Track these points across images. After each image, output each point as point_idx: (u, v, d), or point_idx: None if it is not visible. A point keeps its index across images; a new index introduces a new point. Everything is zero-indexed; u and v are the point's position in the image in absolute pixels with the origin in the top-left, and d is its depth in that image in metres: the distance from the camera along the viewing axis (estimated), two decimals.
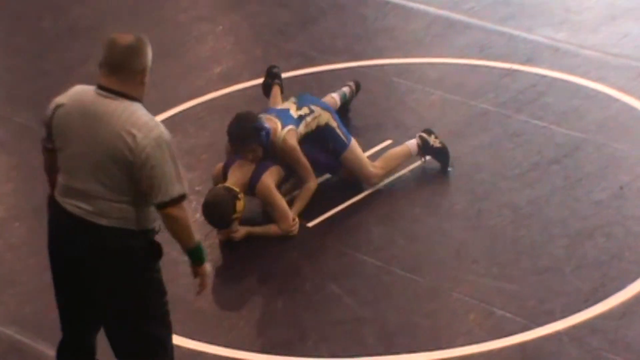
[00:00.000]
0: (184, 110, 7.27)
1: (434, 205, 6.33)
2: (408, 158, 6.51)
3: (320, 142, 6.34)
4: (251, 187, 6.07)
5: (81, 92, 4.29)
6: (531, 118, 6.96)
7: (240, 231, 6.05)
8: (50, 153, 4.41)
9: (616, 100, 7.10)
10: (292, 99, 6.44)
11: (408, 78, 7.55)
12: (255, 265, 5.99)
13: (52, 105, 4.33)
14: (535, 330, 5.34)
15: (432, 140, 6.49)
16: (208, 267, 4.42)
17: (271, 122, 6.18)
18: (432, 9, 8.37)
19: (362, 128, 6.93)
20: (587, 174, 6.42)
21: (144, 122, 4.16)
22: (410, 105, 7.25)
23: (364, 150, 6.51)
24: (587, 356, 5.16)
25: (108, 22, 8.37)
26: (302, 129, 6.27)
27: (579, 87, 7.26)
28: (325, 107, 6.44)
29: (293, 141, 6.17)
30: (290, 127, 6.19)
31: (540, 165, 6.50)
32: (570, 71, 7.43)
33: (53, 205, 4.38)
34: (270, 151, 6.14)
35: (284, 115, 6.26)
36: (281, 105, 6.46)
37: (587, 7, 8.26)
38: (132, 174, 4.17)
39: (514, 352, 5.23)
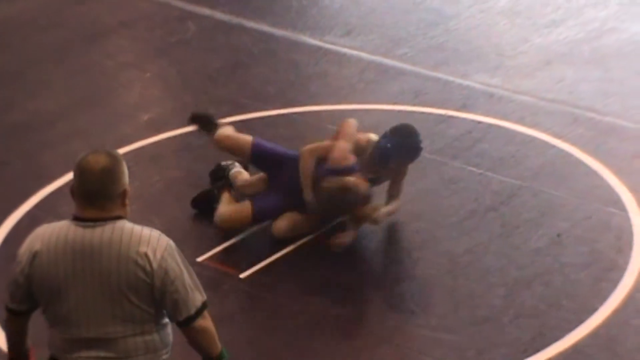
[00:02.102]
0: None
1: (370, 254, 6.22)
2: None
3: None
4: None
5: (57, 231, 3.78)
6: (467, 165, 6.92)
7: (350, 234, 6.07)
8: (21, 317, 3.87)
9: (552, 146, 7.10)
10: None
11: None
12: None
13: (25, 257, 3.78)
14: None
15: None
16: None
17: None
18: (365, 55, 8.35)
19: None
20: (524, 222, 6.38)
21: (147, 236, 3.75)
22: None
23: None
24: None
25: (32, 68, 8.25)
26: None
27: (514, 133, 7.25)
28: None
29: None
30: None
31: (477, 212, 6.44)
32: (506, 117, 7.43)
33: None
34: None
35: None
36: None
37: (521, 52, 8.29)
38: (153, 296, 3.74)
39: None
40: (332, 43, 8.57)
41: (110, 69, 8.33)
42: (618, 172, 6.77)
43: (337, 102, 7.77)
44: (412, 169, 6.55)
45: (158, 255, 3.73)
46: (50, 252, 3.75)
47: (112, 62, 8.42)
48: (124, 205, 3.81)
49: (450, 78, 7.98)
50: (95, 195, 3.74)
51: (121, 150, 7.18)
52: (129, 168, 6.89)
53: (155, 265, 3.72)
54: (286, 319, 5.75)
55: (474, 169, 6.90)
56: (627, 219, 6.34)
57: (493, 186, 6.72)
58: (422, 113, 7.56)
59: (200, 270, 5.93)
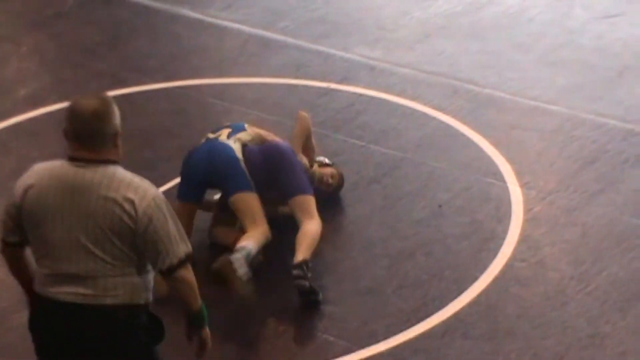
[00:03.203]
0: None
1: None
2: None
3: None
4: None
5: (50, 168, 3.92)
6: (349, 137, 6.95)
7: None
8: (14, 248, 3.98)
9: (433, 118, 7.17)
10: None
11: (224, 98, 7.45)
12: None
13: (19, 189, 3.91)
14: (358, 352, 5.31)
15: None
16: (207, 329, 4.09)
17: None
18: (246, 28, 8.31)
19: (178, 150, 6.75)
20: (406, 193, 6.44)
21: (137, 184, 3.86)
22: None
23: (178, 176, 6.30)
24: None
25: None
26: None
27: (395, 106, 7.31)
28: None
29: None
30: None
31: (359, 184, 6.48)
32: (387, 90, 7.47)
33: (37, 301, 3.95)
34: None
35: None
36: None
37: (401, 25, 8.35)
38: (135, 241, 3.85)
39: None
40: (213, 16, 8.51)
41: None
42: (496, 143, 6.88)
43: (218, 75, 7.72)
44: None
45: (144, 203, 3.83)
46: (42, 186, 3.87)
47: None
48: (116, 146, 3.90)
49: (332, 51, 8.00)
50: (87, 137, 3.84)
51: None
52: (6, 144, 6.79)
53: (140, 212, 3.82)
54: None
55: (356, 142, 6.93)
56: (506, 190, 6.46)
57: (375, 158, 6.77)
58: (304, 86, 7.56)
59: None
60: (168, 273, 3.91)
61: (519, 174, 6.57)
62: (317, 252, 5.89)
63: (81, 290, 3.86)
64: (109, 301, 3.87)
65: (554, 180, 6.55)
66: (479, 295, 5.63)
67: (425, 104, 7.31)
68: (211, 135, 6.08)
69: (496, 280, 5.74)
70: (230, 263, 5.45)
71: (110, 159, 3.88)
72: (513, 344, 5.33)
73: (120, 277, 3.88)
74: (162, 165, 6.63)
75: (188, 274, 3.95)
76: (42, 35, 8.28)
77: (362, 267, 5.88)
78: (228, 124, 6.26)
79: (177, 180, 6.37)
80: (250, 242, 5.62)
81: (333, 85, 7.54)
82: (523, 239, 6.04)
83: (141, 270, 3.93)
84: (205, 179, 5.93)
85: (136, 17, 8.48)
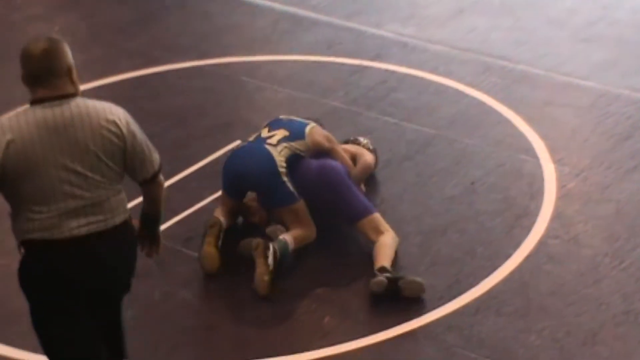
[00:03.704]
0: None
1: None
2: None
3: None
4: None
5: (22, 117, 3.98)
6: (382, 115, 6.93)
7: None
8: None
9: (465, 95, 7.14)
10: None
11: (256, 76, 7.45)
12: None
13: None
14: (391, 329, 5.31)
15: None
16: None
17: None
18: (278, 6, 8.30)
19: (210, 129, 6.79)
20: (439, 170, 6.42)
21: (107, 106, 4.07)
22: (259, 104, 7.15)
23: (213, 152, 6.33)
24: (443, 353, 5.14)
25: None
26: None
27: (428, 83, 7.28)
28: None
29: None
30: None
31: (392, 162, 6.47)
32: (419, 66, 7.45)
33: (40, 248, 4.04)
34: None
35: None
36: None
37: (434, 2, 8.32)
38: (125, 158, 4.10)
39: (371, 353, 5.17)
40: None
41: (17, 22, 8.17)
42: (530, 119, 6.85)
43: (250, 53, 7.72)
44: (328, 120, 6.56)
45: (123, 121, 4.07)
46: (25, 136, 3.94)
47: (19, 15, 8.25)
48: (73, 82, 4.05)
49: (364, 28, 7.98)
50: (43, 76, 3.98)
51: None
52: None
53: (124, 130, 4.06)
54: (202, 273, 5.72)
55: (388, 119, 6.92)
56: (539, 166, 6.43)
57: (408, 135, 6.75)
58: (336, 63, 7.55)
59: None
60: (152, 180, 4.19)
61: (552, 151, 6.54)
62: (349, 230, 5.90)
63: (92, 219, 4.05)
64: (117, 220, 4.11)
65: (588, 156, 6.51)
66: (512, 272, 5.62)
67: (458, 81, 7.29)
68: (264, 134, 5.87)
69: (529, 257, 5.72)
70: (267, 248, 5.49)
71: (70, 92, 4.02)
72: (546, 320, 5.31)
73: (116, 195, 4.12)
74: (194, 144, 6.65)
75: (162, 177, 4.24)
76: (74, 15, 8.31)
77: None
78: (291, 119, 6.03)
79: (209, 159, 6.41)
80: (291, 238, 5.67)
81: (365, 63, 7.52)
82: (556, 215, 6.01)
83: (122, 185, 4.16)
84: (244, 186, 5.86)
85: None
